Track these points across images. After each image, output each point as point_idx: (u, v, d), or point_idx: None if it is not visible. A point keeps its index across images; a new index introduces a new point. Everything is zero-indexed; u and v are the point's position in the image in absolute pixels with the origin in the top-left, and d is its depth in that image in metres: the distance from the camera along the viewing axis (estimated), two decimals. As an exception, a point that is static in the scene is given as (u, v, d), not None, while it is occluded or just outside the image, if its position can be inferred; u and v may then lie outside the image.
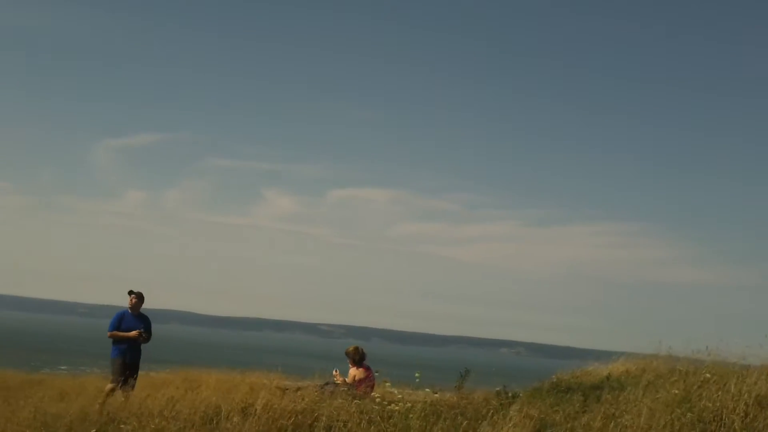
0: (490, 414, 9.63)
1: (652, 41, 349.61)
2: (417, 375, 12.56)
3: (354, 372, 12.68)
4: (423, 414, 9.60)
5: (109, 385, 12.40)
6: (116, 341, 12.60)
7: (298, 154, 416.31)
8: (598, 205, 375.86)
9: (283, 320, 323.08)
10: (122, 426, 9.83)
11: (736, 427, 8.88)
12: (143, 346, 12.85)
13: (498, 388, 11.70)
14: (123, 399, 11.56)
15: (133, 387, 12.31)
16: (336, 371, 12.80)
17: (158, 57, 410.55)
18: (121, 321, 12.70)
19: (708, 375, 10.95)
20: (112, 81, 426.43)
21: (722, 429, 8.95)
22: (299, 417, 9.66)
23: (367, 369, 12.80)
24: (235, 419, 9.70)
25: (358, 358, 12.82)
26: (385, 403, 10.22)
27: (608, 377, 13.20)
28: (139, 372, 13.04)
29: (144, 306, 12.97)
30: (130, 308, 12.83)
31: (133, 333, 12.57)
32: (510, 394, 11.39)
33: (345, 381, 12.47)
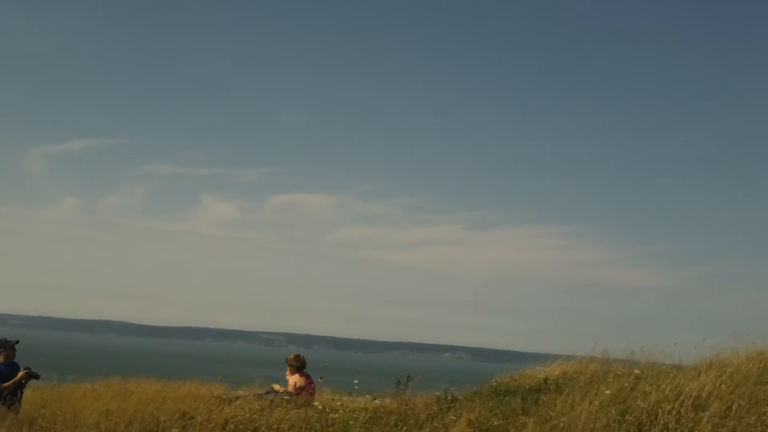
0: (430, 419, 9.68)
1: (573, 35, 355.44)
2: (355, 382, 12.55)
3: (294, 380, 12.61)
4: (363, 421, 9.60)
5: None
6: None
7: (237, 159, 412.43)
8: (537, 207, 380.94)
9: (223, 328, 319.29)
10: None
11: (671, 427, 9.09)
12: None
13: (438, 393, 11.76)
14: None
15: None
16: (276, 386, 12.73)
17: (95, 61, 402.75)
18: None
19: (642, 376, 11.18)
20: (46, 86, 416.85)
21: (656, 428, 9.14)
22: (239, 427, 9.58)
23: (308, 377, 12.75)
24: (173, 431, 9.58)
25: (298, 365, 12.76)
26: (326, 410, 10.20)
27: (546, 380, 13.36)
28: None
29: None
30: (2, 361, 12.06)
31: (21, 373, 11.80)
32: (450, 399, 11.46)
33: (285, 390, 12.41)
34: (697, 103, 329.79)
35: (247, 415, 9.88)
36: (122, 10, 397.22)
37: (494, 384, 13.97)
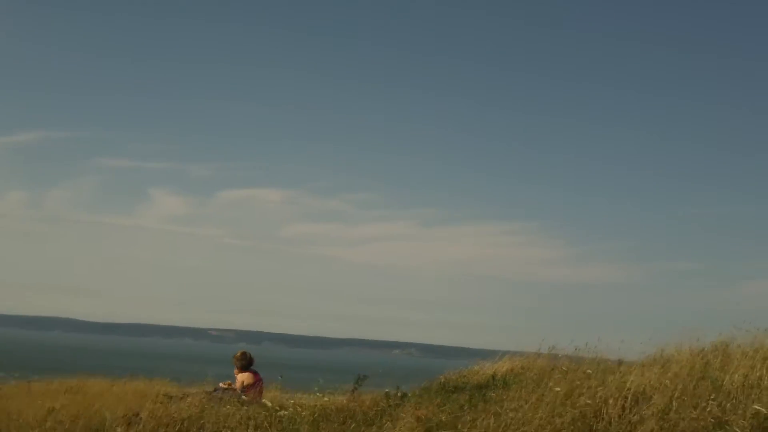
0: (378, 416, 9.71)
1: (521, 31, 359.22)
2: (317, 386, 12.53)
3: (242, 377, 12.55)
4: (312, 419, 9.60)
5: None
6: None
7: (188, 153, 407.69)
8: (491, 204, 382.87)
9: (171, 325, 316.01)
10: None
11: (614, 422, 9.26)
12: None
13: (388, 390, 11.80)
14: None
15: None
16: (224, 383, 12.65)
17: (45, 52, 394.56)
18: None
19: (588, 371, 11.35)
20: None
21: (601, 423, 9.31)
22: (185, 424, 9.51)
23: (256, 374, 12.69)
24: (119, 429, 9.47)
25: (245, 363, 12.69)
26: (275, 408, 10.17)
27: (494, 376, 13.51)
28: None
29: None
30: None
31: None
32: (399, 395, 11.51)
33: (233, 387, 12.33)
34: (656, 98, 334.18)
35: (194, 412, 9.80)
36: (68, 5, 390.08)
37: (443, 380, 14.07)
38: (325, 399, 11.05)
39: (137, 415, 9.76)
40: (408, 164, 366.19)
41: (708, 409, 9.08)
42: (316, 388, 11.72)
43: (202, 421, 9.56)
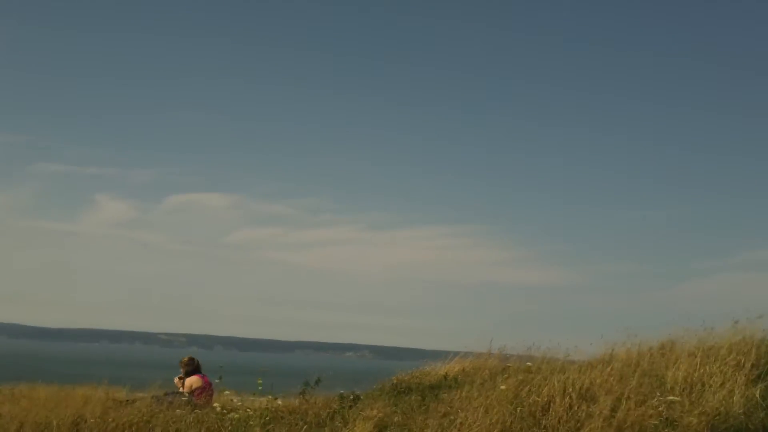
0: (331, 417, 9.72)
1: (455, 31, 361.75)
2: (259, 382, 12.48)
3: (191, 381, 12.45)
4: (263, 422, 9.56)
5: None
6: None
7: (132, 158, 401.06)
8: (438, 207, 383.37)
9: (119, 330, 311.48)
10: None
11: (562, 419, 9.41)
12: None
13: (340, 392, 11.79)
14: None
15: None
16: (177, 378, 12.54)
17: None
18: None
19: (538, 371, 11.50)
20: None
21: (550, 421, 9.45)
22: (133, 429, 9.40)
23: (204, 377, 12.60)
24: (66, 434, 9.34)
25: (191, 368, 12.61)
26: (225, 411, 10.11)
27: (446, 376, 13.57)
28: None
29: None
30: None
31: None
32: (352, 397, 11.52)
33: (182, 391, 12.24)
34: (599, 97, 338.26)
35: (143, 417, 9.70)
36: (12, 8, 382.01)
37: (395, 381, 14.10)
38: (278, 402, 11.01)
39: (84, 420, 9.62)
40: (354, 168, 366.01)
41: (653, 405, 9.28)
42: (259, 388, 11.64)
43: (151, 425, 9.46)
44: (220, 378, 12.54)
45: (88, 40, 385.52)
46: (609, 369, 10.73)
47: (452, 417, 9.50)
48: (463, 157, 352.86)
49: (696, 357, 10.93)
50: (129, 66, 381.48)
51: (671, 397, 9.66)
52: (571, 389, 9.98)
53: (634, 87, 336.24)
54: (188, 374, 12.54)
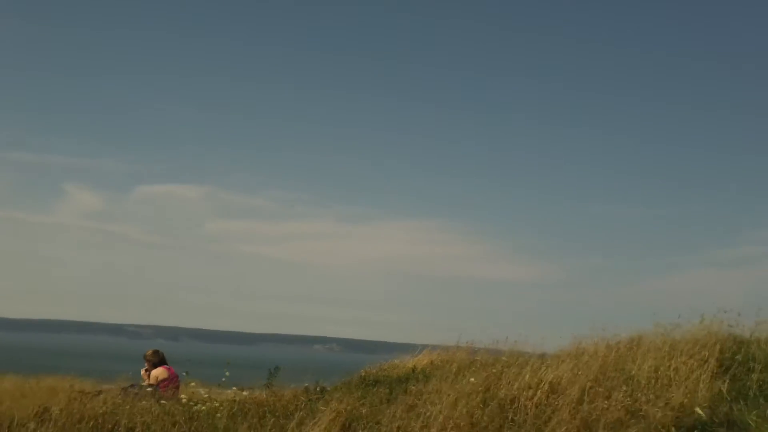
0: (298, 410, 9.68)
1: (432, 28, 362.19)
2: (226, 373, 12.41)
3: (156, 372, 12.36)
4: (230, 413, 9.50)
5: None
6: None
7: (103, 148, 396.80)
8: (412, 201, 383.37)
9: (86, 321, 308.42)
10: None
11: (530, 412, 9.47)
12: None
13: (307, 384, 11.76)
14: None
15: None
16: (143, 371, 12.44)
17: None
18: None
19: (506, 364, 11.56)
20: None
21: (519, 414, 9.51)
22: (99, 420, 9.29)
23: (170, 369, 12.52)
24: (30, 425, 9.20)
25: (156, 360, 12.53)
26: (192, 403, 10.03)
27: (414, 369, 13.61)
28: None
29: None
30: None
31: None
32: (319, 390, 11.49)
33: (147, 382, 12.15)
34: (575, 93, 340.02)
35: (109, 408, 9.59)
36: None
37: (363, 374, 14.10)
38: (244, 393, 10.96)
39: (48, 411, 9.49)
40: (330, 162, 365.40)
41: (620, 398, 9.37)
42: (223, 379, 11.56)
43: (117, 417, 9.36)
44: (186, 373, 12.42)
45: (61, 34, 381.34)
46: (577, 363, 10.81)
47: (420, 409, 9.51)
48: (437, 152, 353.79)
49: (663, 351, 11.06)
50: (102, 59, 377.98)
51: (636, 390, 9.76)
52: (539, 382, 10.05)
53: (614, 83, 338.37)
54: (154, 366, 12.44)
